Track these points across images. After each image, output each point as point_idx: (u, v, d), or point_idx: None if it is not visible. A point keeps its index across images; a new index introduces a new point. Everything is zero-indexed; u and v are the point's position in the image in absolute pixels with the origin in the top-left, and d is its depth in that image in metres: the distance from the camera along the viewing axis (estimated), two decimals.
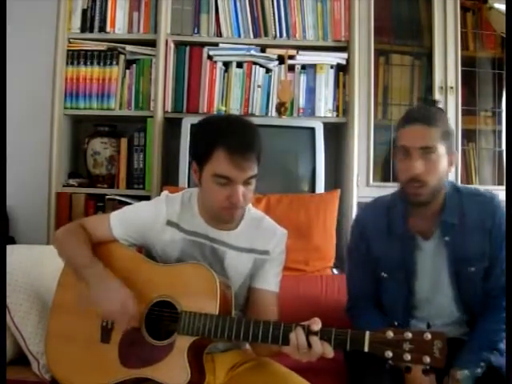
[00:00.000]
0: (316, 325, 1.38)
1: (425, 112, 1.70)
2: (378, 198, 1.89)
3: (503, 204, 1.69)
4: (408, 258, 1.74)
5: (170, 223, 1.64)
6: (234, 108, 2.84)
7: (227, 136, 1.51)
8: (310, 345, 1.37)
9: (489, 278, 1.72)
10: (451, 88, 2.80)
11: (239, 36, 2.87)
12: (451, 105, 2.79)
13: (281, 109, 2.76)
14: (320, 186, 2.66)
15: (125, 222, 1.67)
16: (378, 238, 1.78)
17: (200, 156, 1.55)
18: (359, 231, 1.84)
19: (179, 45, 2.89)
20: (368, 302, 1.82)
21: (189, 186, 2.59)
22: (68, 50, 2.85)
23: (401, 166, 1.68)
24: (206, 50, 2.85)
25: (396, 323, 1.39)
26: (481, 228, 1.71)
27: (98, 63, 2.87)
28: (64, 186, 2.88)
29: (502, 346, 1.63)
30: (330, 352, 1.36)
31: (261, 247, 1.67)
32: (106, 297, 1.52)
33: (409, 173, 1.64)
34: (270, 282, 1.68)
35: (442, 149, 1.65)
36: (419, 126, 1.64)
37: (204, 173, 1.55)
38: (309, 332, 1.38)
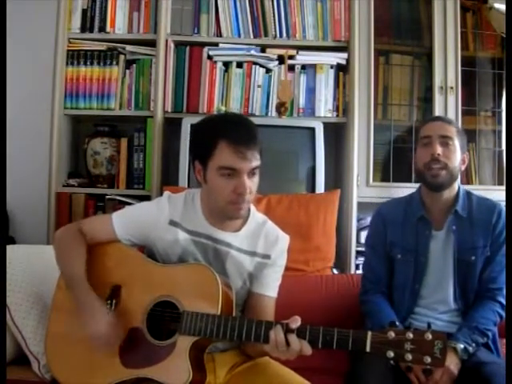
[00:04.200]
0: (294, 323, 1.40)
1: (443, 116, 2.07)
2: (396, 197, 2.13)
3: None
4: (422, 245, 1.91)
5: (172, 223, 1.64)
6: (234, 108, 2.84)
7: (228, 128, 1.54)
8: (288, 343, 1.38)
9: (486, 269, 1.88)
10: (451, 88, 2.80)
11: (239, 36, 2.87)
12: (451, 105, 2.79)
13: (281, 109, 2.76)
14: (320, 186, 2.66)
15: (127, 222, 1.67)
16: (396, 224, 1.96)
17: (203, 153, 1.56)
18: (379, 220, 2.02)
19: (179, 45, 2.89)
20: (381, 289, 1.96)
21: (189, 186, 2.59)
22: (68, 50, 2.86)
23: (423, 151, 1.90)
24: (206, 50, 2.86)
25: (397, 323, 1.39)
26: (485, 222, 1.90)
27: (98, 63, 2.87)
28: (64, 185, 2.88)
29: (490, 335, 1.81)
30: (308, 350, 1.38)
31: (263, 251, 1.67)
32: (86, 320, 1.53)
33: (430, 155, 1.86)
34: (269, 287, 1.69)
35: (457, 143, 1.90)
36: (440, 122, 1.96)
37: (209, 169, 1.56)
38: (287, 330, 1.39)
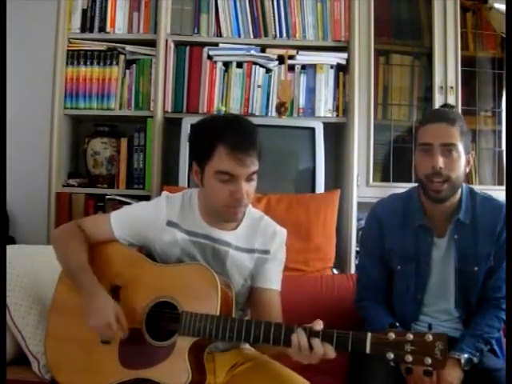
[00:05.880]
0: (318, 326, 1.38)
1: (446, 113, 1.79)
2: (392, 194, 1.96)
3: None
4: (424, 253, 1.80)
5: (170, 224, 1.64)
6: (234, 108, 2.84)
7: (227, 133, 1.51)
8: (311, 346, 1.36)
9: (491, 278, 1.79)
10: (451, 88, 2.80)
11: (239, 36, 2.87)
12: None
13: (281, 109, 2.76)
14: (320, 186, 2.66)
15: (125, 222, 1.67)
16: (394, 230, 1.84)
17: (201, 155, 1.55)
18: (375, 223, 1.89)
19: (179, 45, 2.89)
20: (378, 295, 1.88)
21: (189, 186, 2.59)
22: (68, 50, 2.86)
23: (423, 161, 1.74)
24: (205, 50, 2.86)
25: (398, 324, 1.38)
26: (490, 229, 1.77)
27: (98, 63, 2.87)
28: (64, 185, 2.88)
29: (494, 342, 1.76)
30: (331, 353, 1.36)
31: (261, 247, 1.67)
32: (93, 311, 1.51)
33: (432, 167, 1.70)
34: (272, 280, 1.68)
35: (461, 148, 1.71)
36: (441, 125, 1.72)
37: (206, 172, 1.55)
38: (310, 333, 1.37)
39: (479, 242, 1.78)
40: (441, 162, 1.69)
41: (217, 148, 1.51)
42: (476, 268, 1.78)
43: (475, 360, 1.67)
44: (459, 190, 1.79)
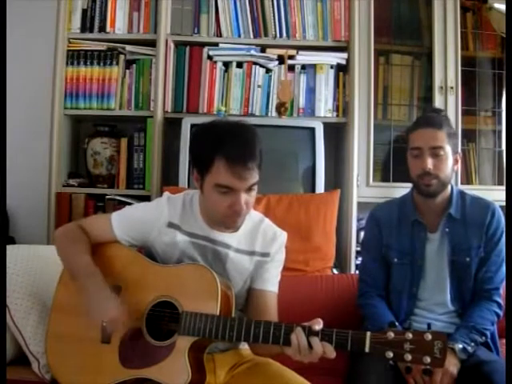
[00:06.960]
0: (317, 325, 1.38)
1: (433, 118, 1.95)
2: (389, 200, 2.12)
3: (500, 210, 1.93)
4: (418, 248, 1.93)
5: (171, 225, 1.64)
6: (234, 108, 2.84)
7: (226, 145, 1.49)
8: (311, 346, 1.37)
9: (481, 269, 1.89)
10: (451, 88, 2.80)
11: (239, 36, 2.87)
12: (451, 105, 2.79)
13: (281, 109, 2.76)
14: (320, 186, 2.66)
15: (125, 223, 1.67)
16: (391, 229, 1.97)
17: (201, 165, 1.54)
18: (374, 223, 2.02)
19: (179, 45, 2.89)
20: (379, 292, 1.97)
21: (189, 187, 2.59)
22: (68, 50, 2.86)
23: (414, 163, 1.90)
24: (205, 50, 2.86)
25: (396, 323, 1.39)
26: (479, 223, 1.91)
27: (98, 63, 2.87)
28: (64, 185, 2.88)
29: (489, 334, 1.83)
30: (331, 353, 1.37)
31: (261, 249, 1.68)
32: (97, 309, 1.52)
33: (422, 168, 1.86)
34: (270, 282, 1.69)
35: (448, 149, 1.87)
36: (429, 129, 1.88)
37: (205, 182, 1.54)
38: (309, 333, 1.38)
39: (469, 235, 1.90)
40: (430, 163, 1.85)
41: (215, 161, 1.49)
42: (468, 259, 1.88)
43: (470, 350, 1.74)
44: (449, 188, 1.93)
